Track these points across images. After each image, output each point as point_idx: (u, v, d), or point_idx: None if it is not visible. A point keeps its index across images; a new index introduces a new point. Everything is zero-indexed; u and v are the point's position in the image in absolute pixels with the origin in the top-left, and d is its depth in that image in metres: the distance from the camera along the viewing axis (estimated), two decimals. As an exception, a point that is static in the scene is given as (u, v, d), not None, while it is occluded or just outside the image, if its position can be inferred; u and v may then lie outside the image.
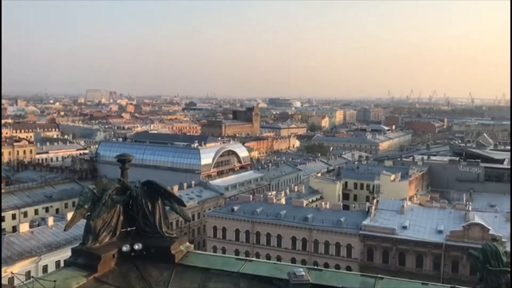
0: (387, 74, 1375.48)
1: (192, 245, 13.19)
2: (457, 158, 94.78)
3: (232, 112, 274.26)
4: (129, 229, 12.39)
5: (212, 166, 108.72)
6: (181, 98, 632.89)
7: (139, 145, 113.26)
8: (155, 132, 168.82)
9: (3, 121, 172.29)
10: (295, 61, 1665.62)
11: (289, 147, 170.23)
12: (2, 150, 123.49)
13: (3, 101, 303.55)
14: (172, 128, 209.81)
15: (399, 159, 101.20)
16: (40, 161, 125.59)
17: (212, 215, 69.90)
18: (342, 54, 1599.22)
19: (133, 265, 11.67)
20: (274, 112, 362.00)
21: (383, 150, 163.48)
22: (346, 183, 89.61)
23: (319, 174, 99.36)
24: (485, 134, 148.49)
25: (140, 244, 11.91)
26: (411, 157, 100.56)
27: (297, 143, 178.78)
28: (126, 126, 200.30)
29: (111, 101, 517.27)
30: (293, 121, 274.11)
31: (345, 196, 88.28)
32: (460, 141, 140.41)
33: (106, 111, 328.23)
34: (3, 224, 70.26)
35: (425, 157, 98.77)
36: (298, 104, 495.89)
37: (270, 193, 75.57)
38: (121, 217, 12.32)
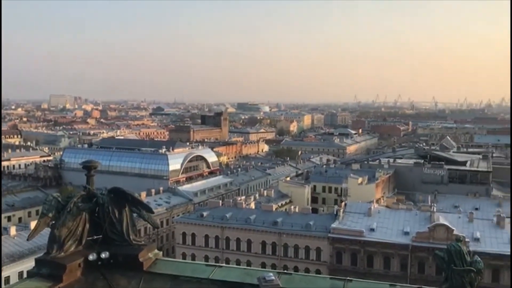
0: (354, 79, 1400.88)
1: (161, 252, 13.01)
2: (422, 161, 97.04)
3: (200, 117, 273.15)
4: (95, 237, 12.11)
5: (181, 172, 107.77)
6: (148, 103, 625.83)
7: (105, 151, 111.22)
8: (122, 138, 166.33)
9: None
10: (264, 65, 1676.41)
11: (258, 151, 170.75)
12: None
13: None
14: (139, 133, 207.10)
15: (366, 162, 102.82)
16: (2, 169, 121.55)
17: (181, 221, 69.25)
18: (309, 59, 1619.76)
19: (100, 274, 11.41)
20: (243, 117, 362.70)
21: (350, 154, 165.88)
22: (314, 186, 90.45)
23: (288, 178, 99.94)
24: (448, 137, 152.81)
25: (107, 253, 11.65)
26: (377, 160, 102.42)
27: (266, 147, 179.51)
28: (91, 132, 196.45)
29: (76, 106, 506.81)
30: (261, 125, 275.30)
31: (314, 199, 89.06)
32: (424, 144, 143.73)
33: (70, 117, 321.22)
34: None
35: (391, 160, 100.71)
36: (266, 108, 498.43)
37: (239, 198, 75.50)
38: (87, 225, 12.03)
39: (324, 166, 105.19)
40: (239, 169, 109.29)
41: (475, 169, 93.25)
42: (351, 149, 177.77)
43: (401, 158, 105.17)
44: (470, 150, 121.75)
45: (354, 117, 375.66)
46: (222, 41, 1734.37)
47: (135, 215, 12.67)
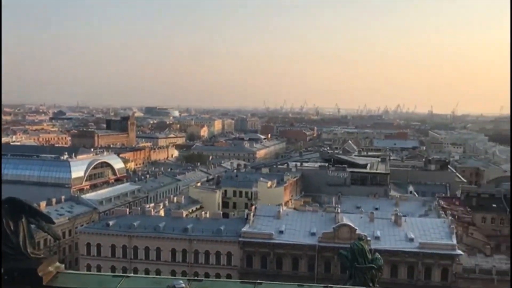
0: (262, 85, 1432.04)
1: (63, 265, 12.24)
2: (327, 164, 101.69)
3: (105, 122, 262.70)
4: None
5: (84, 179, 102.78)
6: (48, 107, 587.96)
7: None
8: (18, 144, 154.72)
9: None
10: (172, 69, 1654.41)
11: (167, 157, 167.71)
12: None
13: None
14: (38, 139, 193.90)
15: (275, 166, 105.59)
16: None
17: (85, 231, 65.93)
18: (219, 63, 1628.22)
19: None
20: (151, 122, 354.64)
21: (260, 158, 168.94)
22: (225, 191, 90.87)
23: (199, 184, 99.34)
24: (350, 141, 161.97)
25: (1, 268, 10.72)
26: (285, 164, 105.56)
27: (176, 153, 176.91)
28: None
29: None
30: (171, 130, 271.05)
31: (225, 204, 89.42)
32: (328, 148, 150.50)
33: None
34: None
35: (298, 164, 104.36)
36: (176, 113, 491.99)
37: (148, 205, 73.59)
38: (-23, 240, 10.97)
39: (235, 170, 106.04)
40: (148, 176, 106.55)
41: (375, 171, 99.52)
42: (261, 153, 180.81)
43: (307, 161, 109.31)
44: (370, 153, 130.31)
45: (263, 123, 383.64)
46: (130, 43, 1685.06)
47: (33, 226, 11.85)
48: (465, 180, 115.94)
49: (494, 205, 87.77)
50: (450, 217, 65.17)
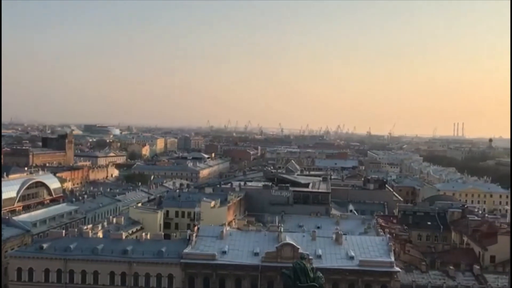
0: (206, 104, 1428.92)
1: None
2: (270, 184, 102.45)
3: (41, 140, 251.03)
4: None
5: (17, 200, 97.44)
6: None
7: None
8: None
9: None
10: (113, 86, 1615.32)
11: (107, 176, 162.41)
12: None
13: None
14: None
15: (218, 186, 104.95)
16: None
17: (16, 255, 62.02)
18: (161, 81, 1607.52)
19: None
20: (91, 140, 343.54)
21: (203, 178, 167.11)
22: (167, 212, 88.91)
23: (140, 204, 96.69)
24: (293, 161, 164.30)
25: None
26: (229, 184, 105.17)
27: (116, 172, 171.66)
28: None
29: None
30: (111, 149, 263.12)
31: (167, 225, 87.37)
32: (272, 167, 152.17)
33: None
34: None
35: (242, 183, 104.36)
36: (117, 131, 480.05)
37: (85, 227, 70.45)
38: None
39: (177, 190, 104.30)
40: (86, 196, 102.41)
41: (317, 190, 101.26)
42: (204, 173, 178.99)
43: (251, 181, 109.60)
44: (312, 172, 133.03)
45: (207, 142, 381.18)
46: (68, 57, 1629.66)
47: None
48: (401, 199, 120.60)
49: (429, 223, 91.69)
50: (388, 235, 67.16)
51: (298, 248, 59.35)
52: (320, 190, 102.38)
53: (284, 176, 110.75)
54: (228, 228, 69.17)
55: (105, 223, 76.44)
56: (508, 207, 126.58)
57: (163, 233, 73.00)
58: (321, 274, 34.13)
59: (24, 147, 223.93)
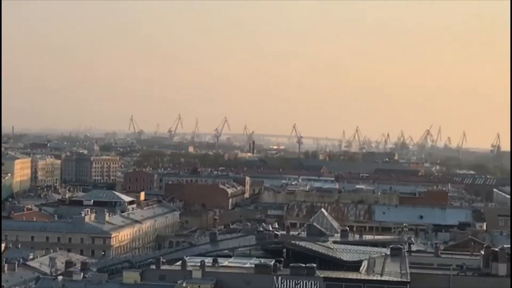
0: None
1: None
2: (273, 262, 45.97)
3: None
4: None
5: None
6: None
7: None
8: None
9: None
10: None
11: None
12: None
13: None
14: None
15: (153, 266, 48.28)
16: None
17: None
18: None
19: None
20: None
21: (120, 248, 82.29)
22: None
23: None
24: (323, 211, 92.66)
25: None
26: (179, 262, 47.98)
27: None
28: None
29: None
30: None
31: None
32: (276, 224, 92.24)
33: None
34: None
35: (210, 260, 47.60)
36: None
37: None
38: None
39: (59, 278, 45.83)
40: None
41: (380, 279, 43.22)
42: (123, 237, 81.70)
43: (230, 256, 51.13)
44: (367, 237, 69.82)
45: (128, 165, 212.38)
46: None
47: None
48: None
49: None
50: None
51: None
52: (388, 278, 45.32)
53: (305, 245, 53.10)
54: None
55: None
56: None
57: None
58: None
59: None
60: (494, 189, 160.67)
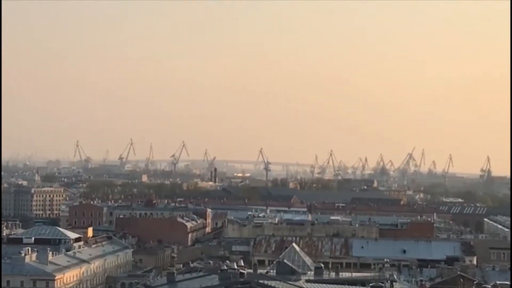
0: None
1: None
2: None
3: None
4: None
5: None
6: None
7: None
8: None
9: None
10: None
11: None
12: None
13: None
14: None
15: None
16: None
17: None
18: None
19: None
20: None
21: None
22: None
23: None
24: (294, 246, 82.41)
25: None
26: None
27: None
28: None
29: None
30: None
31: None
32: (242, 261, 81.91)
33: None
34: None
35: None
36: None
37: None
38: None
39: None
40: None
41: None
42: (68, 279, 77.05)
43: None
44: (344, 274, 64.77)
45: (74, 197, 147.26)
46: None
47: None
48: None
49: None
50: None
51: None
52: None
53: (274, 285, 46.71)
54: None
55: None
56: None
57: None
58: None
59: None
60: (485, 219, 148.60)
